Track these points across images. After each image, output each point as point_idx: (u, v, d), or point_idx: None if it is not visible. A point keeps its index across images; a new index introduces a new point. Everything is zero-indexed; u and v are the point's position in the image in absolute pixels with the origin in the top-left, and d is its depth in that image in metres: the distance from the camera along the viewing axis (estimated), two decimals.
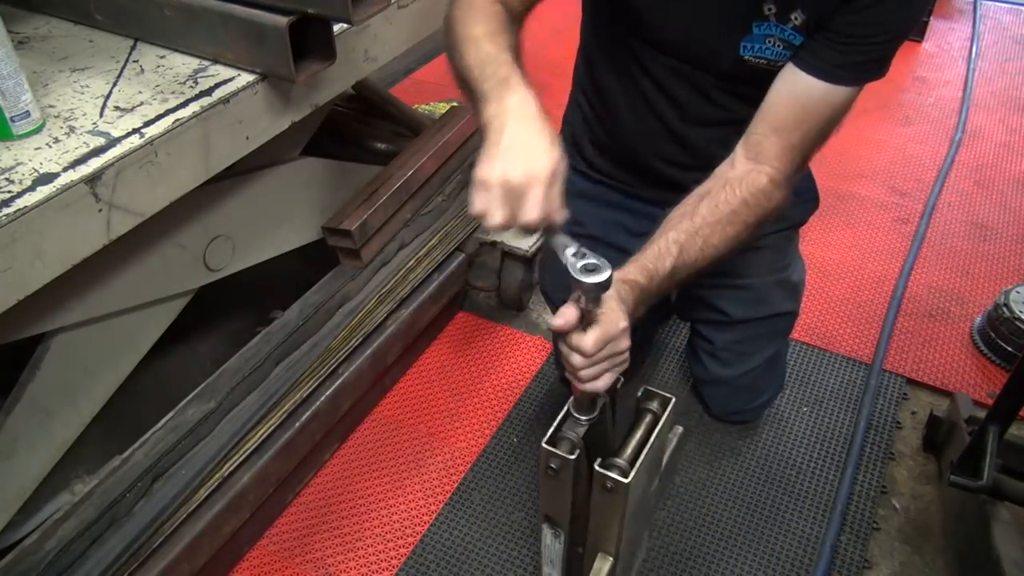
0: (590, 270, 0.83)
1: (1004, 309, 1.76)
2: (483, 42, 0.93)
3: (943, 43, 3.23)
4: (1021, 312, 1.74)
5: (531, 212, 0.81)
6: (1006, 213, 2.29)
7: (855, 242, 2.16)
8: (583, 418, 0.99)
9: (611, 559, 1.05)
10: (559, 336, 0.93)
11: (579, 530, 1.10)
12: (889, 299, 1.96)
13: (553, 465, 0.97)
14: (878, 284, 2.02)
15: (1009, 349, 1.75)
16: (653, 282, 1.01)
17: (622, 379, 1.03)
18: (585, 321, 0.89)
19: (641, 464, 0.96)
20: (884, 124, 2.69)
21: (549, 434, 0.98)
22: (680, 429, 1.17)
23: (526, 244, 1.81)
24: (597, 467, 0.96)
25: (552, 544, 1.12)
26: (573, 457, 0.96)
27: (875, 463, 1.57)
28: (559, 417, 1.00)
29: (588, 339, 0.89)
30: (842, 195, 2.33)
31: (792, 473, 1.56)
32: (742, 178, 1.07)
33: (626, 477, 0.94)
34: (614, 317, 0.91)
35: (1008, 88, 2.92)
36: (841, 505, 1.47)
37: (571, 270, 0.83)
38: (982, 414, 1.31)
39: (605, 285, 0.83)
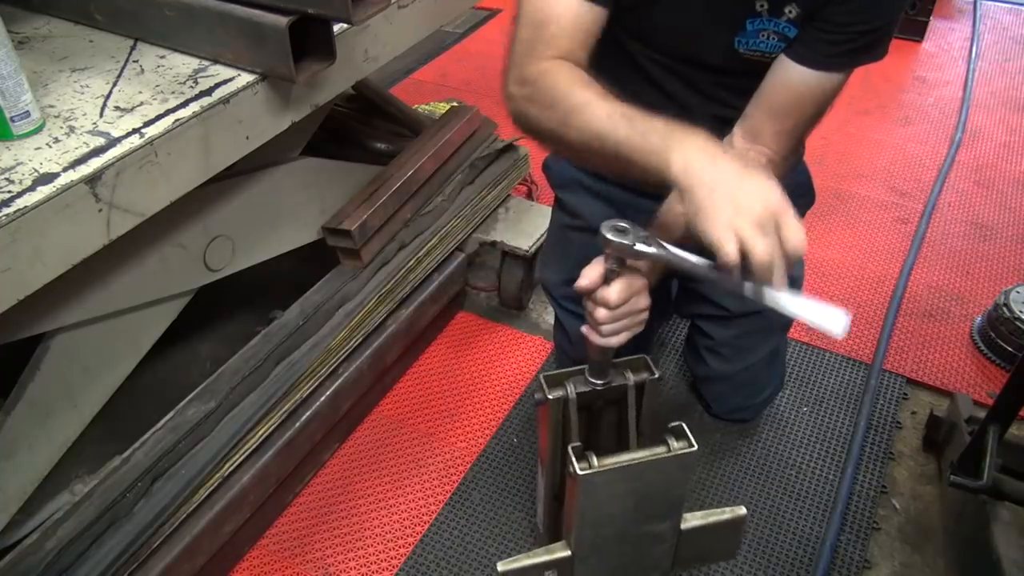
0: (620, 231, 0.89)
1: (1004, 309, 1.76)
2: (601, 103, 0.91)
3: (943, 43, 3.23)
4: (1021, 312, 1.74)
5: (798, 234, 0.79)
6: (1006, 213, 2.29)
7: (855, 242, 2.16)
8: (594, 380, 1.05)
9: (568, 551, 1.06)
10: (582, 296, 0.98)
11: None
12: (889, 299, 1.96)
13: (536, 396, 1.05)
14: (878, 284, 2.02)
15: (1009, 349, 1.75)
16: None
17: (656, 376, 1.06)
18: (607, 281, 0.95)
19: (610, 471, 0.97)
20: (884, 124, 2.69)
21: (555, 373, 1.05)
22: (743, 512, 1.13)
23: (526, 244, 1.81)
24: (569, 447, 0.99)
25: (539, 481, 1.15)
26: (551, 398, 1.03)
27: (875, 463, 1.57)
28: (574, 368, 1.06)
29: (612, 291, 0.94)
30: (842, 195, 2.33)
31: (792, 473, 1.56)
32: (742, 156, 1.09)
33: (582, 470, 0.96)
34: (636, 276, 0.97)
35: (1008, 88, 2.92)
36: (841, 505, 1.47)
37: (602, 230, 0.89)
38: (982, 414, 1.31)
39: (628, 248, 0.88)
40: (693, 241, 1.02)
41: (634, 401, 1.07)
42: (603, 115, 0.91)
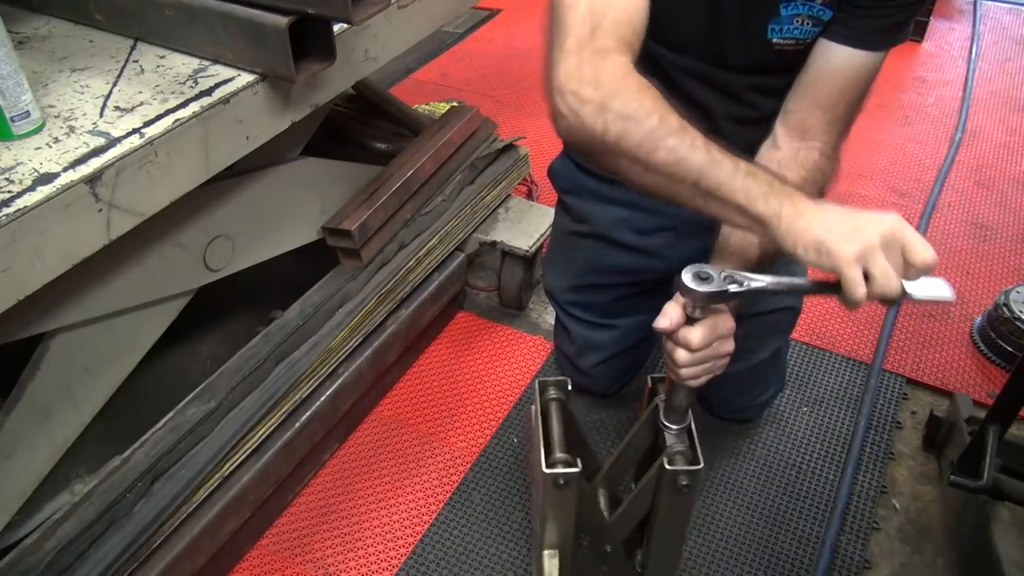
0: (703, 278, 0.83)
1: (1004, 309, 1.76)
2: (695, 136, 0.85)
3: (943, 43, 3.23)
4: (1021, 312, 1.74)
5: (924, 249, 0.78)
6: (1006, 213, 2.29)
7: None
8: (671, 424, 1.00)
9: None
10: (663, 336, 0.92)
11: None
12: None
13: (658, 397, 1.03)
14: None
15: (1009, 349, 1.75)
16: None
17: (686, 478, 0.98)
18: (690, 321, 0.89)
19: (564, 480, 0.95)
20: (884, 124, 2.69)
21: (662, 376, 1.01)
22: None
23: (526, 244, 1.81)
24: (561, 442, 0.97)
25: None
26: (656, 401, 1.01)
27: (875, 463, 1.57)
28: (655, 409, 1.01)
29: (696, 334, 0.89)
30: (842, 195, 2.33)
31: (792, 473, 1.56)
32: (794, 157, 1.07)
33: (547, 468, 0.95)
34: (723, 317, 0.92)
35: (1008, 88, 2.92)
36: (841, 505, 1.47)
37: (682, 274, 0.84)
38: (982, 414, 1.31)
39: (712, 296, 0.83)
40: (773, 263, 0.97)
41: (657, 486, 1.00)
42: (699, 150, 0.83)
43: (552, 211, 1.59)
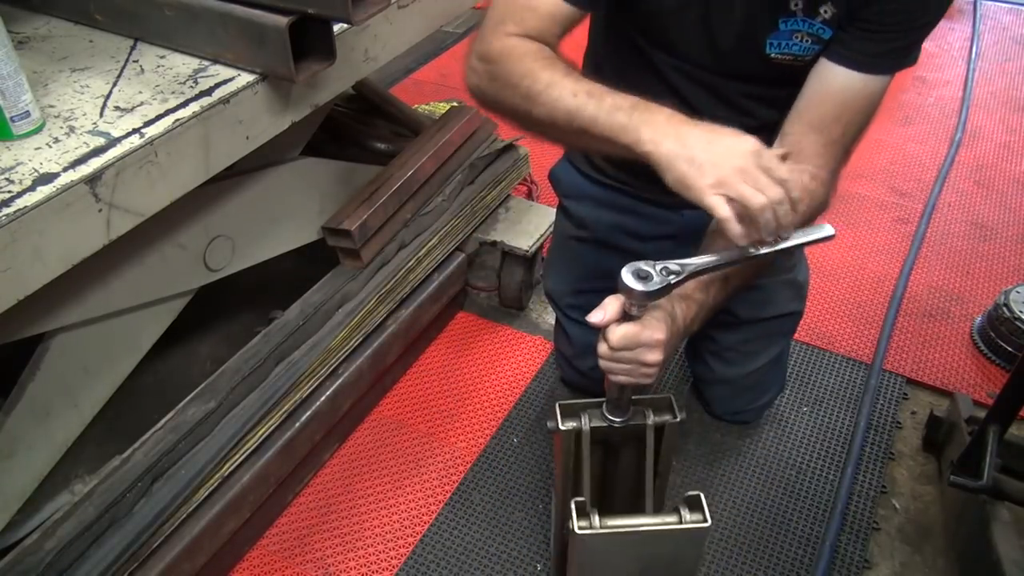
0: (641, 277, 0.84)
1: (1004, 309, 1.77)
2: (566, 82, 0.93)
3: (943, 43, 3.23)
4: (1021, 312, 1.74)
5: (781, 169, 0.84)
6: (1006, 213, 2.29)
7: (855, 242, 2.16)
8: (612, 417, 1.01)
9: None
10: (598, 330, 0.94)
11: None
12: (889, 299, 1.96)
13: (549, 424, 1.02)
14: (878, 284, 2.02)
15: (1009, 349, 1.75)
16: (710, 295, 1.00)
17: (679, 419, 1.00)
18: (628, 318, 0.91)
19: (611, 535, 0.94)
20: (884, 124, 2.69)
21: (571, 402, 1.02)
22: None
23: (526, 244, 1.81)
24: (572, 502, 0.95)
25: (553, 511, 1.12)
26: (563, 428, 1.00)
27: (875, 463, 1.57)
28: (592, 399, 1.02)
29: (615, 332, 0.91)
30: (842, 195, 2.33)
31: (792, 473, 1.56)
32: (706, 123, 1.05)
33: (580, 529, 0.93)
34: (651, 326, 0.91)
35: (1008, 88, 2.92)
36: (841, 505, 1.47)
37: (622, 272, 0.85)
38: (982, 414, 1.31)
39: (651, 295, 0.84)
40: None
41: (652, 443, 1.01)
42: (569, 94, 0.92)
43: (552, 211, 1.59)
